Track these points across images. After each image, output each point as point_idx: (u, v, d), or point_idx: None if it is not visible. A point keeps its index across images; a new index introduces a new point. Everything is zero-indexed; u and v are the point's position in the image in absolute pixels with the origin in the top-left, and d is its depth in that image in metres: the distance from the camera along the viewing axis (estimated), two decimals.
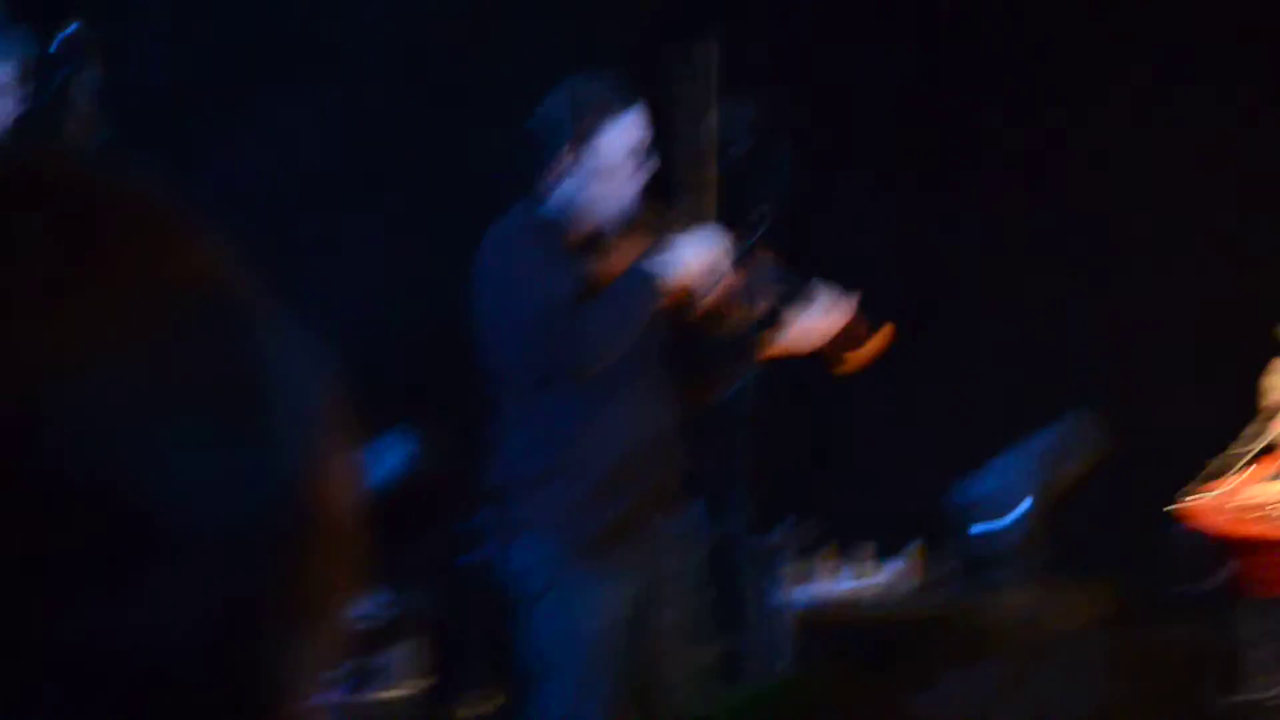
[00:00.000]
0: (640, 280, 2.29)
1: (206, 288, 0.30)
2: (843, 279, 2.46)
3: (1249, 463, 3.11)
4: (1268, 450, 3.10)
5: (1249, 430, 3.19)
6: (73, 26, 2.36)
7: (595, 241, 2.37)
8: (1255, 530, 3.01)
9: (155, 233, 0.31)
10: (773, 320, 2.36)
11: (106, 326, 0.28)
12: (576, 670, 2.27)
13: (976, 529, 3.09)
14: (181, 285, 0.30)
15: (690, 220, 2.33)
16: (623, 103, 2.35)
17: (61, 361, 0.27)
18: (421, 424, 2.75)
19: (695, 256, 2.30)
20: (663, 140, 2.39)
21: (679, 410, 2.39)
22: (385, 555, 2.15)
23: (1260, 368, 3.12)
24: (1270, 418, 3.12)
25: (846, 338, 2.36)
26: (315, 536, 0.29)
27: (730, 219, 2.39)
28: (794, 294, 2.36)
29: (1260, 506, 3.04)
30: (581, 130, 2.32)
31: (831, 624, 3.22)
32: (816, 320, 2.35)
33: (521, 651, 2.35)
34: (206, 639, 0.28)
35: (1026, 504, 3.04)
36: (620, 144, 2.33)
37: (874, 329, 2.40)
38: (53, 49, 2.24)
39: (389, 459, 2.91)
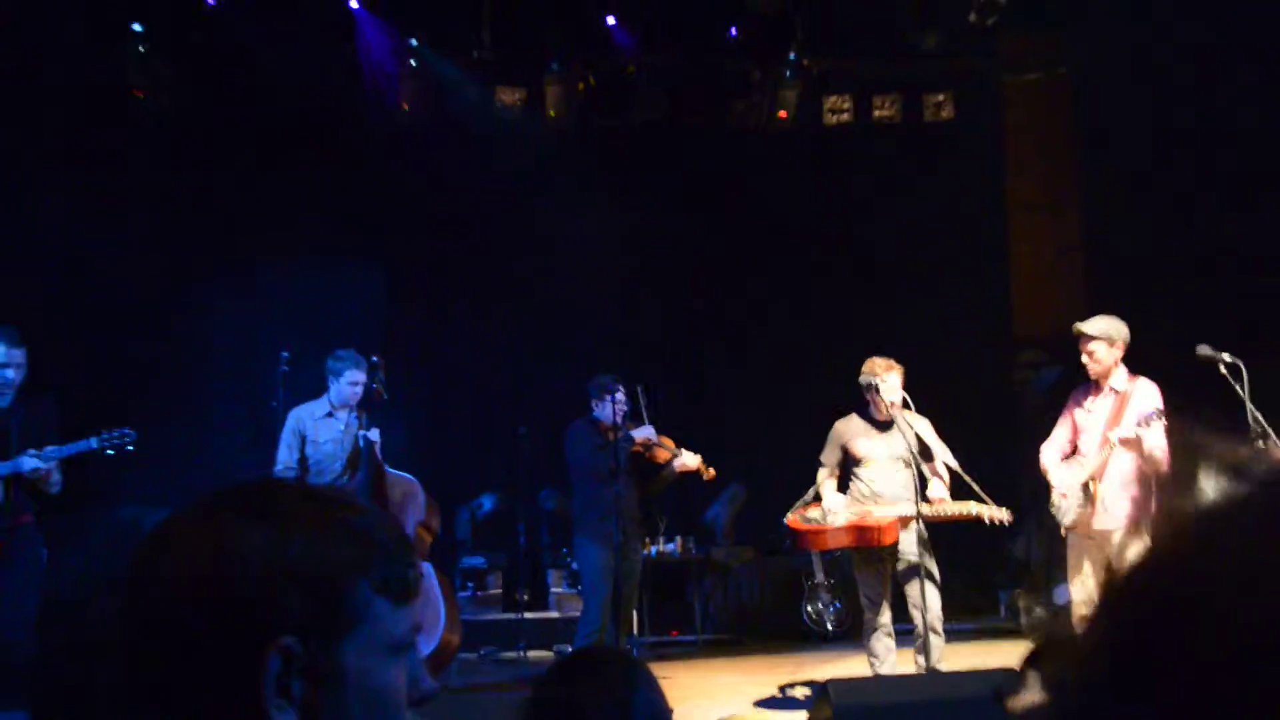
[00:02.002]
0: (626, 440, 6.50)
1: None
2: None
3: (813, 497, 6.08)
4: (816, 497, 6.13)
5: (819, 474, 6.11)
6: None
7: (609, 432, 6.53)
8: (806, 528, 6.13)
9: None
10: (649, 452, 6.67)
11: None
12: (595, 570, 6.37)
13: None
14: None
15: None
16: (616, 384, 6.51)
17: None
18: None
19: (641, 434, 6.53)
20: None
21: (637, 491, 6.61)
22: None
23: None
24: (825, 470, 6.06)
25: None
26: None
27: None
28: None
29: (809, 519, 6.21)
30: (601, 391, 6.47)
31: None
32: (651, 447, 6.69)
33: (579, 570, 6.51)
34: None
35: None
36: (619, 401, 6.50)
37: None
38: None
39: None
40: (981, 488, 5.54)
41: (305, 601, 0.88)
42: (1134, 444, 5.30)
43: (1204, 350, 5.18)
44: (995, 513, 5.51)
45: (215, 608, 0.87)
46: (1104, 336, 5.46)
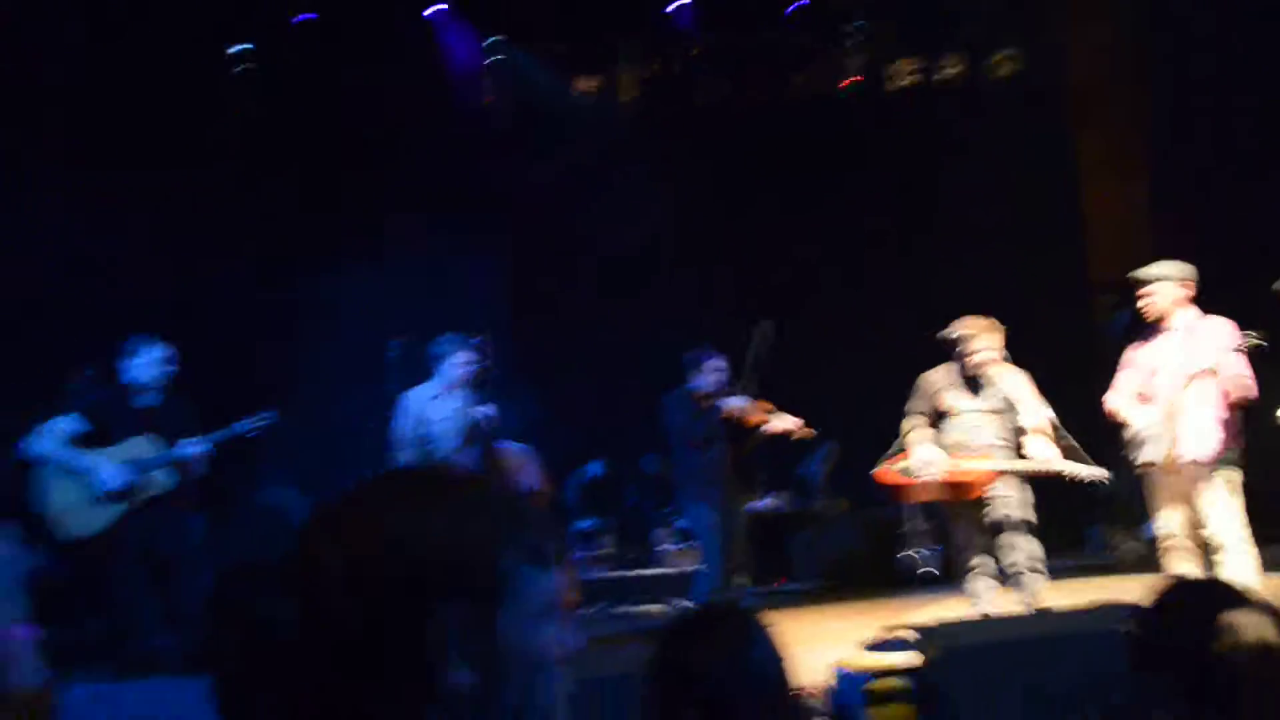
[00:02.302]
0: (717, 410, 6.82)
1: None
2: None
3: (899, 450, 6.11)
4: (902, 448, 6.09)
5: (904, 425, 6.16)
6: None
7: (704, 401, 6.84)
8: (897, 480, 6.29)
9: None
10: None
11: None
12: (707, 530, 6.75)
13: None
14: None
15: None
16: (708, 355, 6.82)
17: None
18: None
19: (731, 403, 6.83)
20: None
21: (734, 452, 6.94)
22: None
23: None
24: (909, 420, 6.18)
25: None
26: None
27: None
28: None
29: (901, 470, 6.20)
30: (694, 365, 6.80)
31: None
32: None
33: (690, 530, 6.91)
34: None
35: None
36: (714, 368, 6.82)
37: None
38: None
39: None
40: (1073, 434, 5.66)
41: (471, 575, 0.99)
42: (1214, 374, 5.35)
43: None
44: (1091, 472, 5.61)
45: (395, 585, 0.97)
46: (1162, 277, 5.55)
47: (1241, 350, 5.33)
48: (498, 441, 6.43)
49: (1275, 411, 5.35)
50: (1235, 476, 5.45)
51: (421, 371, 6.80)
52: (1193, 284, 5.57)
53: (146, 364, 6.09)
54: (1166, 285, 5.55)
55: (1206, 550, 5.49)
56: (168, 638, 5.88)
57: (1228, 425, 5.46)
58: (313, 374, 8.22)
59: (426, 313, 7.41)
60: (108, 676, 5.76)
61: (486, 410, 6.39)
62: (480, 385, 6.52)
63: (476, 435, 6.40)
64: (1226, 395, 5.42)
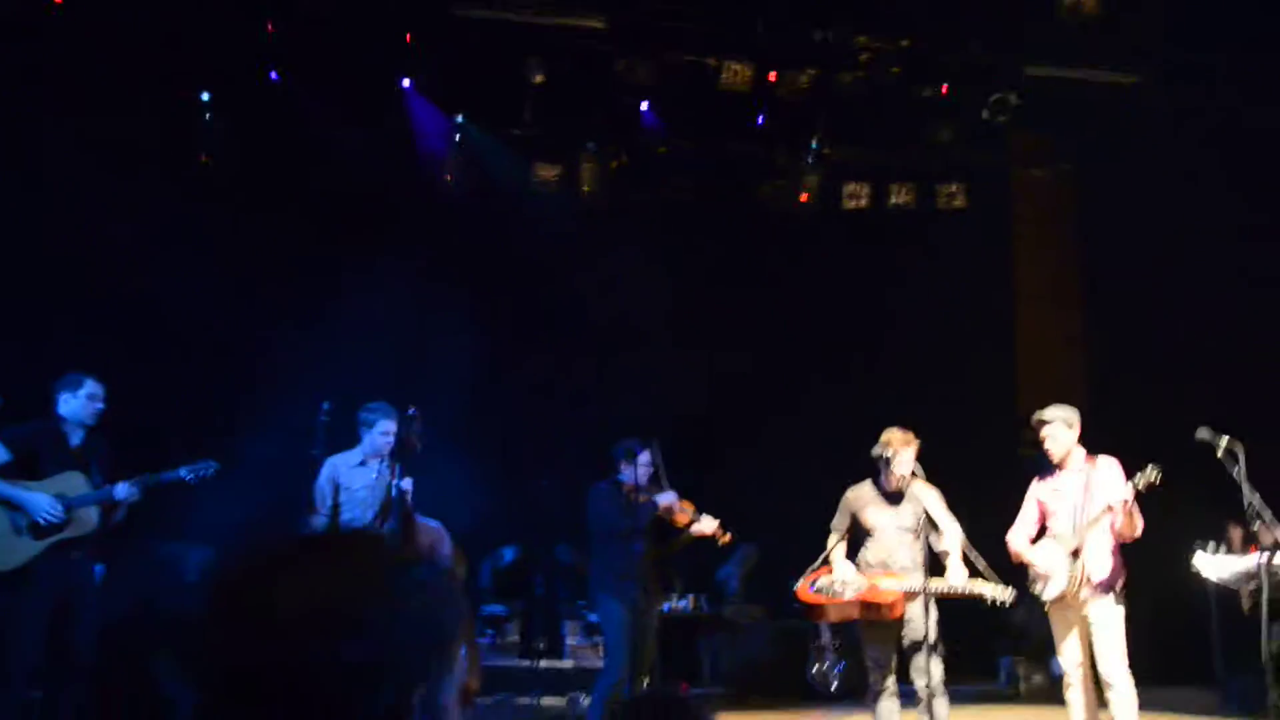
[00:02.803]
0: (650, 506, 6.78)
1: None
2: None
3: (821, 563, 6.13)
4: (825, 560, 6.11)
5: (829, 540, 6.14)
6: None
7: (633, 494, 6.82)
8: (816, 599, 6.19)
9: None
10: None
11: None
12: (616, 626, 6.64)
13: None
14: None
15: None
16: (642, 448, 6.84)
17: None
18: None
19: (664, 499, 6.81)
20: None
21: (655, 550, 6.89)
22: None
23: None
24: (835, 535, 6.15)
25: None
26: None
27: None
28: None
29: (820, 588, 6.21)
30: (629, 455, 6.80)
31: None
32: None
33: (600, 625, 6.78)
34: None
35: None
36: (643, 464, 6.82)
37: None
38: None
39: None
40: (987, 559, 5.73)
41: (432, 658, 1.00)
42: (1110, 513, 5.56)
43: (1203, 433, 5.44)
44: (999, 593, 5.69)
45: (364, 672, 0.96)
46: (1061, 420, 5.85)
47: (1139, 488, 5.50)
48: (416, 515, 6.32)
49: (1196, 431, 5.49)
50: (1122, 612, 5.67)
51: (348, 436, 6.72)
52: (1079, 427, 5.87)
53: (82, 399, 5.96)
54: (1060, 427, 5.79)
55: (1100, 687, 5.66)
56: (45, 689, 5.63)
57: (1119, 563, 5.71)
58: (249, 426, 8.10)
59: (350, 381, 7.37)
60: None
61: (404, 483, 6.30)
62: (402, 456, 6.43)
63: (394, 507, 6.29)
64: (1118, 535, 5.67)
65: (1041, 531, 5.98)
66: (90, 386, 5.99)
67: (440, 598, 1.03)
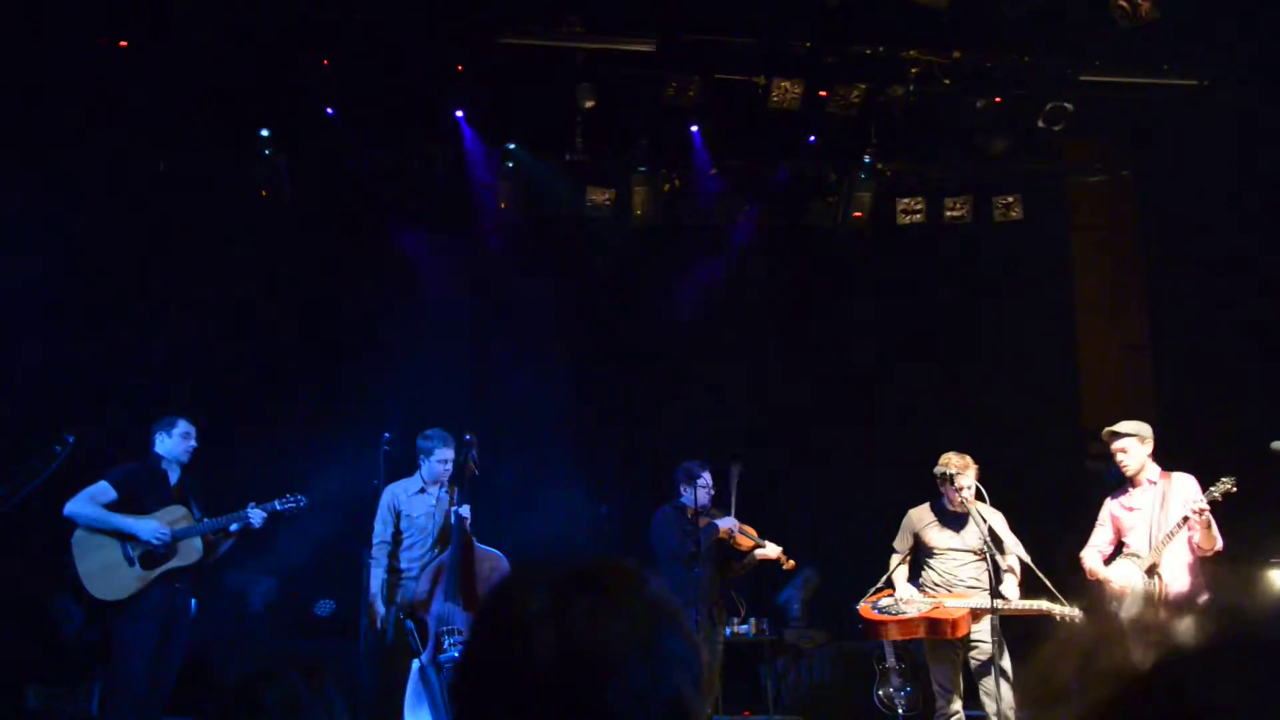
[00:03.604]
0: (711, 529, 6.75)
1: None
2: None
3: (884, 584, 6.22)
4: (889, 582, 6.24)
5: (891, 561, 6.25)
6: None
7: (694, 517, 6.79)
8: (879, 617, 6.29)
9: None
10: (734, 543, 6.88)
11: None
12: None
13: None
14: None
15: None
16: (702, 470, 6.82)
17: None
18: None
19: (725, 524, 6.77)
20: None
21: (719, 575, 6.83)
22: None
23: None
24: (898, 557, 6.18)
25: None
26: None
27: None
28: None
29: (883, 607, 6.23)
30: (689, 477, 6.78)
31: None
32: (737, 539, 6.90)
33: None
34: None
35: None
36: (704, 486, 6.79)
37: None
38: None
39: None
40: (1052, 579, 5.64)
41: (679, 708, 1.03)
42: (1199, 524, 5.43)
43: (1278, 445, 5.36)
44: (1066, 610, 5.60)
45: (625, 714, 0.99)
46: (1135, 434, 5.73)
47: (1215, 498, 5.39)
48: (476, 542, 6.35)
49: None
50: None
51: (408, 465, 6.78)
52: (1151, 440, 5.76)
53: (176, 438, 6.25)
54: (1134, 442, 5.67)
55: None
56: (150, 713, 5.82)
57: (1199, 576, 5.57)
58: (301, 458, 8.21)
59: (419, 407, 7.44)
60: None
61: (463, 509, 6.34)
62: (462, 482, 6.47)
63: (454, 533, 6.33)
64: (1196, 549, 5.54)
65: (1117, 550, 5.85)
66: (183, 426, 6.29)
67: (695, 645, 1.06)
